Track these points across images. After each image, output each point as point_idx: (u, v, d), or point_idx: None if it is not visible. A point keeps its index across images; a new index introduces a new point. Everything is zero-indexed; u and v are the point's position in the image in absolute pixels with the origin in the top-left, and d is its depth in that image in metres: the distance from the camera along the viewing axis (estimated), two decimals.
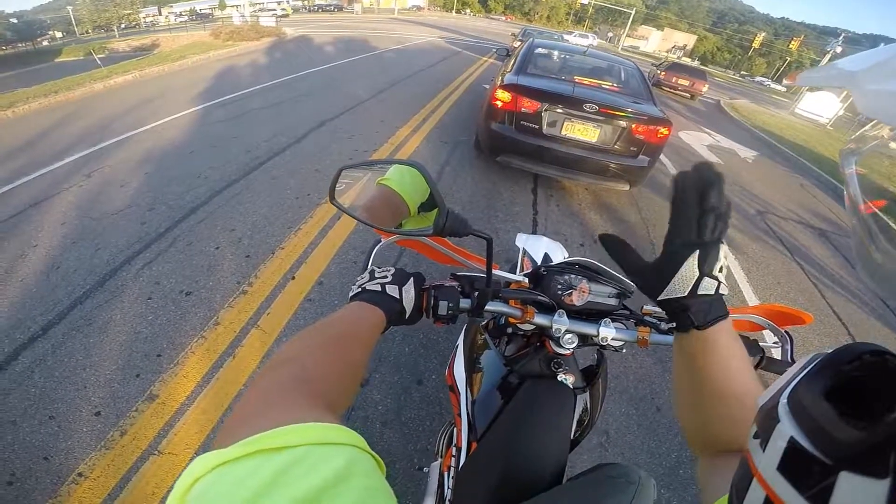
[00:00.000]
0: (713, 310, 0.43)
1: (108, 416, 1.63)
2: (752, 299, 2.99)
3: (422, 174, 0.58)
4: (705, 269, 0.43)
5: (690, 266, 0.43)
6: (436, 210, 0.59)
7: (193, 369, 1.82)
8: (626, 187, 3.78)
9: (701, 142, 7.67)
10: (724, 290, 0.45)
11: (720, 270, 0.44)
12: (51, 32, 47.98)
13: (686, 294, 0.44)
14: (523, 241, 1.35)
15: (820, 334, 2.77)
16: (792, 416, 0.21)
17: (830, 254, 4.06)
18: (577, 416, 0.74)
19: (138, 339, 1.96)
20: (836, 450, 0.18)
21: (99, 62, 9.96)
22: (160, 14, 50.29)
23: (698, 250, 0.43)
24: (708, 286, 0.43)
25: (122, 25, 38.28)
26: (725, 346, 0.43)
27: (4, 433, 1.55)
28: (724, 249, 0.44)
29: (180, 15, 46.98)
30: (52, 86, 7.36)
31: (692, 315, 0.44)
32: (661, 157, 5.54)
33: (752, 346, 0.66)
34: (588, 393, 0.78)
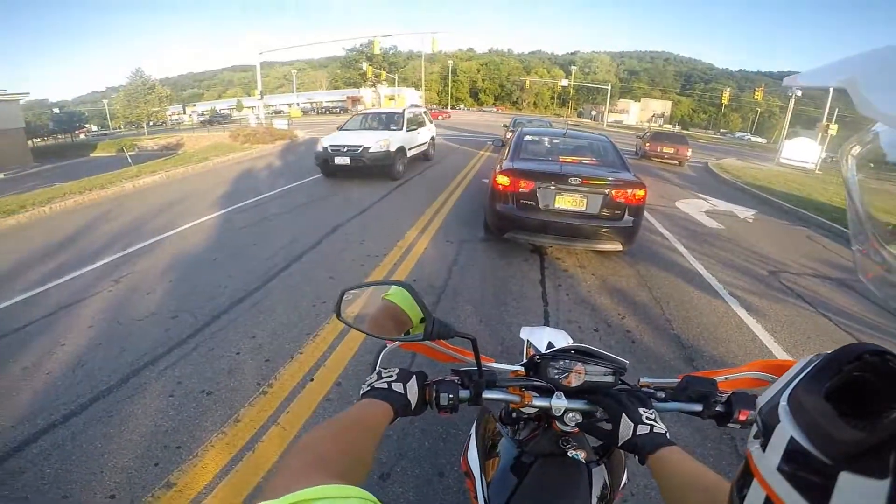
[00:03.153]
0: (654, 441, 0.60)
1: (123, 500, 1.64)
2: (784, 358, 2.87)
3: (409, 292, 0.71)
4: (635, 419, 0.63)
5: (625, 420, 0.63)
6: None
7: (213, 461, 1.82)
8: (619, 247, 4.15)
9: (699, 209, 7.75)
10: (659, 429, 0.62)
11: (648, 419, 0.63)
12: (87, 125, 52.59)
13: (630, 436, 0.62)
14: (527, 333, 1.45)
15: None
16: (792, 416, 0.21)
17: (856, 301, 3.95)
18: (598, 490, 0.75)
19: (158, 431, 1.99)
20: (836, 450, 0.18)
21: (129, 160, 10.85)
22: (184, 112, 55.59)
23: (624, 412, 0.64)
24: (643, 429, 0.62)
25: (150, 123, 42.00)
26: (675, 469, 0.55)
27: None
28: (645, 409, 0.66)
29: (202, 114, 51.89)
30: (87, 183, 8.12)
31: (638, 448, 0.60)
32: (663, 230, 5.82)
33: (752, 401, 0.68)
34: (604, 466, 0.79)
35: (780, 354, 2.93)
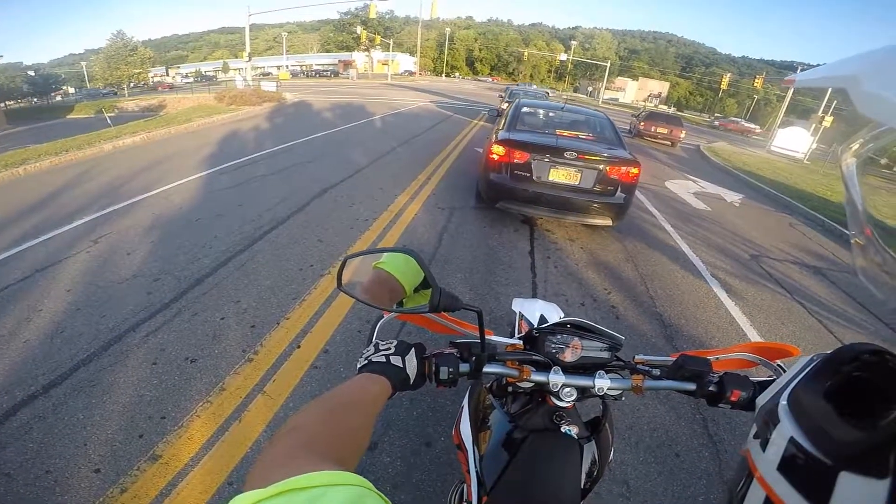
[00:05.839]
0: None
1: (108, 474, 1.61)
2: (757, 341, 2.97)
3: (415, 260, 0.66)
4: None
5: None
6: (430, 289, 0.66)
7: (198, 432, 1.81)
8: (609, 223, 4.21)
9: (687, 190, 7.85)
10: None
11: None
12: (64, 88, 49.59)
13: None
14: (519, 305, 1.43)
15: None
16: (792, 416, 0.21)
17: (830, 290, 4.09)
18: (586, 466, 0.76)
19: (142, 401, 1.96)
20: (837, 450, 0.18)
21: (109, 121, 10.33)
22: (167, 75, 52.61)
23: None
24: None
25: (132, 84, 39.92)
26: None
27: None
28: None
29: (186, 76, 49.38)
30: (62, 144, 7.65)
31: None
32: (651, 208, 5.88)
33: (744, 382, 0.70)
34: (594, 442, 0.80)
35: (755, 338, 3.03)
